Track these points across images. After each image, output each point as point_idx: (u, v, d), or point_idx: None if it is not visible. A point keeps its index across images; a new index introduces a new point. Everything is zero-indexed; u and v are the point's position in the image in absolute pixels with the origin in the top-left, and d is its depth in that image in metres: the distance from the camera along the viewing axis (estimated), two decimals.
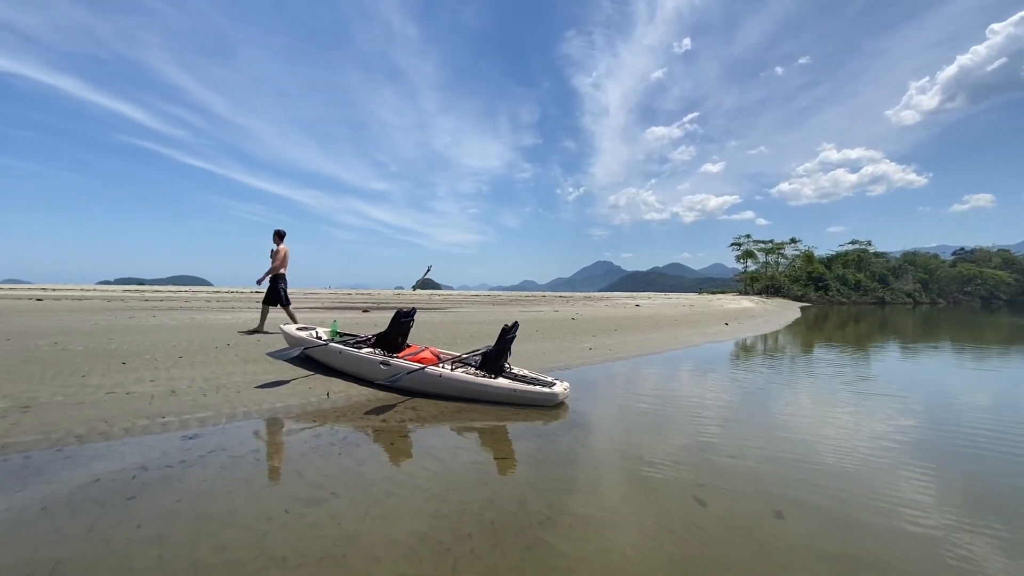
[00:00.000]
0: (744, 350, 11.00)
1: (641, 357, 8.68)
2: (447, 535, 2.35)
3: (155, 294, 24.46)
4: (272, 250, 8.09)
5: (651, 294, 61.75)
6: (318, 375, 5.65)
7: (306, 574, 2.00)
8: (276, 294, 8.00)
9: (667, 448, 3.79)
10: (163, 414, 4.08)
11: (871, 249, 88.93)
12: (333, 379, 5.54)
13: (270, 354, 5.91)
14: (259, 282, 8.08)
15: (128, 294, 23.15)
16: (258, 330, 8.15)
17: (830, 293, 76.72)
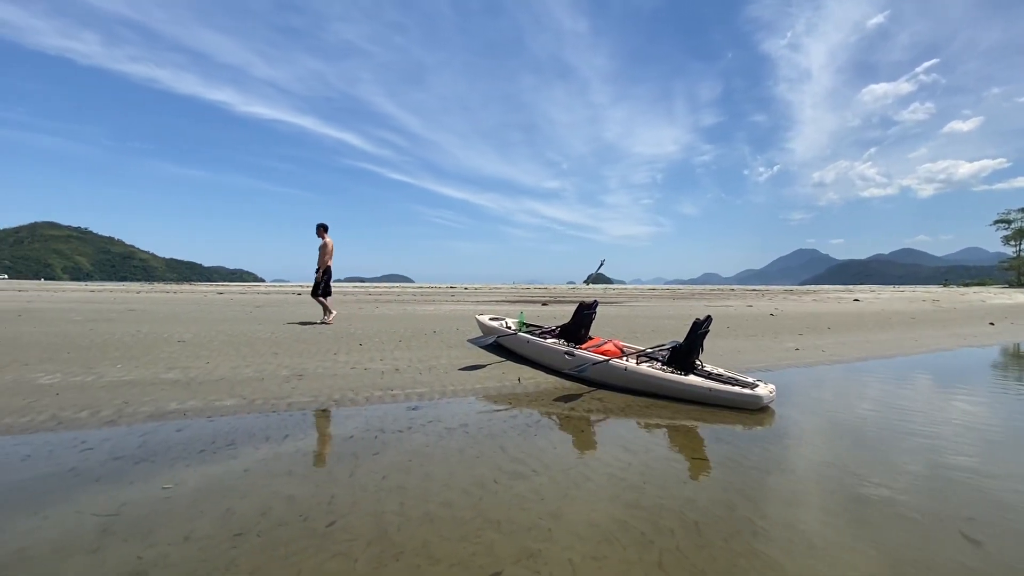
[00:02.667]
0: (1020, 358, 8.42)
1: (865, 361, 7.29)
2: (648, 527, 2.31)
3: (375, 289, 29.35)
4: (321, 244, 8.19)
5: (873, 287, 51.44)
6: (508, 362, 6.09)
7: (518, 540, 2.17)
8: (320, 285, 8.26)
9: (911, 470, 3.11)
10: (391, 387, 4.86)
11: None
12: (522, 367, 5.91)
13: (470, 341, 6.58)
14: (319, 273, 8.24)
15: (356, 290, 28.21)
16: (324, 321, 8.49)
17: None
